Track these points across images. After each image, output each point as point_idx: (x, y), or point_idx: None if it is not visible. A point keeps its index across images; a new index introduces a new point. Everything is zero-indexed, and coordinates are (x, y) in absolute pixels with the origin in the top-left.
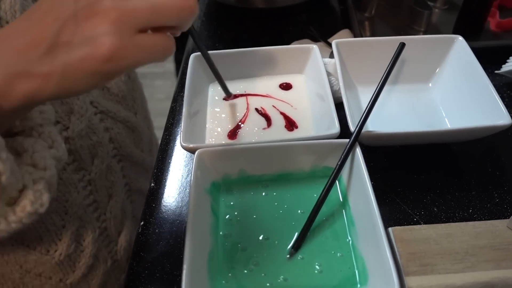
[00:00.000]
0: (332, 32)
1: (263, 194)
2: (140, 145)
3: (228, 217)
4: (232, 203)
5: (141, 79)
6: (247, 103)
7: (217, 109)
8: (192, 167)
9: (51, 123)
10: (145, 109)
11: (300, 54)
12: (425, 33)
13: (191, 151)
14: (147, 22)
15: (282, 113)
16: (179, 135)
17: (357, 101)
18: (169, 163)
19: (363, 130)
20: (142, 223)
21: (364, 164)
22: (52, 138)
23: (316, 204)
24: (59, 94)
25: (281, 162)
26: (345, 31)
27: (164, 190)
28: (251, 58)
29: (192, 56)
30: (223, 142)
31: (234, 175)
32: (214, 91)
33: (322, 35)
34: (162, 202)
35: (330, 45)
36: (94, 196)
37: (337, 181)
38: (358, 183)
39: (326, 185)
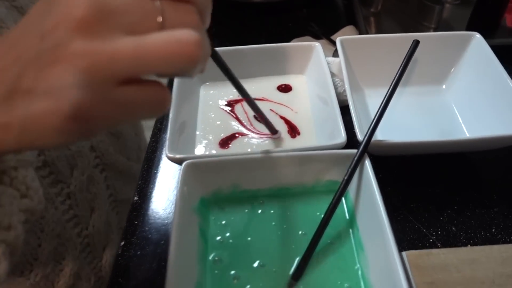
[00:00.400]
0: (335, 28)
1: (259, 211)
2: (126, 152)
3: (219, 239)
4: (223, 222)
5: None
6: (243, 108)
7: (210, 114)
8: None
9: (28, 164)
10: None
11: (301, 53)
12: (435, 30)
13: (178, 162)
14: (130, 72)
15: (282, 117)
16: (165, 144)
17: (363, 105)
18: (156, 173)
19: (373, 139)
20: (123, 243)
21: (375, 178)
22: (27, 184)
23: (320, 225)
24: (21, 147)
25: (279, 175)
26: (350, 28)
27: (149, 204)
28: (246, 57)
29: None
30: (215, 152)
31: (226, 190)
32: (206, 94)
33: (324, 32)
34: (146, 218)
35: (333, 42)
36: (74, 211)
37: (343, 198)
38: (368, 200)
39: (331, 202)
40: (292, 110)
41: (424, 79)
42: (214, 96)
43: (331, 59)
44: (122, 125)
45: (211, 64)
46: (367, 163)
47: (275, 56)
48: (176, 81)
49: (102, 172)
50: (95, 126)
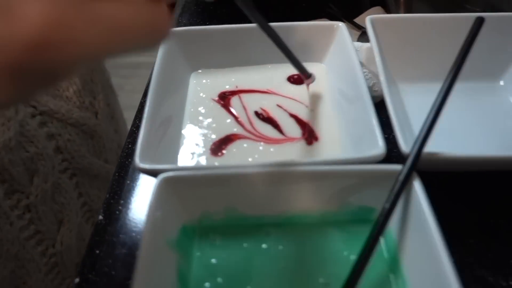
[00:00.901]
0: (358, 10)
1: (263, 247)
2: (102, 153)
3: (207, 286)
4: (213, 261)
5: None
6: (242, 103)
7: (200, 110)
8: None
9: None
10: (112, 107)
11: (319, 35)
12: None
13: (152, 174)
14: None
15: (293, 116)
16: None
17: (399, 105)
18: (130, 185)
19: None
20: (77, 280)
21: (429, 206)
22: None
23: (352, 275)
24: None
25: (291, 197)
26: (377, 9)
27: (116, 227)
28: (249, 38)
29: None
30: (204, 161)
31: (218, 215)
32: (197, 84)
33: (345, 14)
34: (111, 247)
35: (357, 26)
36: (36, 226)
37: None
38: (419, 237)
39: (368, 239)
40: (307, 107)
41: (476, 73)
42: (207, 87)
43: (357, 44)
44: (101, 59)
45: (206, 48)
46: (417, 185)
47: (286, 39)
48: (158, 66)
49: (72, 177)
50: (68, 58)
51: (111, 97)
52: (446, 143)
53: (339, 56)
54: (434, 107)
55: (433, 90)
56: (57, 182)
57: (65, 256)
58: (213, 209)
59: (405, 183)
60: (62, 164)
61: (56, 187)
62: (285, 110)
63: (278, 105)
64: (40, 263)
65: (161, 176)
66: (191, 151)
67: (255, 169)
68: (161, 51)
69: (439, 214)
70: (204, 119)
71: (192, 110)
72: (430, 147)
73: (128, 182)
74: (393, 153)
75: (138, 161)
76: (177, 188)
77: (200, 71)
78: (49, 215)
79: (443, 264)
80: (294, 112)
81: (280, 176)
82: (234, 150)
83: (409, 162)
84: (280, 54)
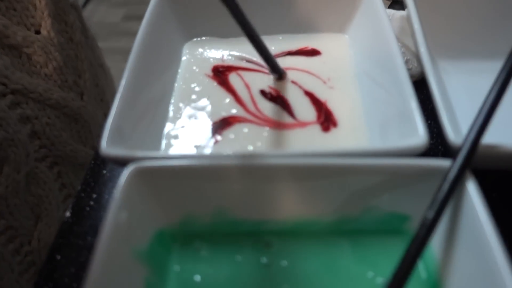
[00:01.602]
0: None
1: (262, 262)
2: (89, 140)
3: None
4: (197, 278)
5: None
6: (243, 81)
7: (192, 87)
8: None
9: None
10: (102, 88)
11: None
12: None
13: (122, 163)
14: None
15: (308, 94)
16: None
17: (440, 87)
18: (106, 176)
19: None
20: None
21: (488, 215)
22: None
23: None
24: None
25: (300, 198)
26: None
27: (84, 227)
28: (257, 2)
29: None
30: (195, 149)
31: (204, 218)
32: (191, 56)
33: None
34: (77, 251)
35: None
36: (6, 221)
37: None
38: (471, 256)
39: (404, 259)
40: (325, 83)
41: None
42: (203, 60)
43: (389, 11)
44: None
45: (204, 12)
46: (471, 187)
47: (298, 4)
48: (142, 32)
49: (52, 166)
50: None
51: (101, 77)
52: (502, 134)
53: (366, 25)
54: (494, 89)
55: (480, 69)
56: (34, 171)
57: (44, 254)
58: (198, 211)
59: (456, 184)
60: (40, 152)
61: (32, 178)
62: (301, 87)
63: (292, 81)
64: (13, 262)
65: (132, 166)
66: (179, 136)
67: (254, 161)
68: (149, 14)
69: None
70: (198, 98)
71: (183, 86)
72: (486, 139)
73: (104, 172)
74: (435, 146)
75: (104, 145)
76: (152, 182)
77: (195, 39)
78: (23, 209)
79: None
80: (309, 89)
81: (286, 170)
82: (231, 135)
83: (461, 156)
84: (290, 22)
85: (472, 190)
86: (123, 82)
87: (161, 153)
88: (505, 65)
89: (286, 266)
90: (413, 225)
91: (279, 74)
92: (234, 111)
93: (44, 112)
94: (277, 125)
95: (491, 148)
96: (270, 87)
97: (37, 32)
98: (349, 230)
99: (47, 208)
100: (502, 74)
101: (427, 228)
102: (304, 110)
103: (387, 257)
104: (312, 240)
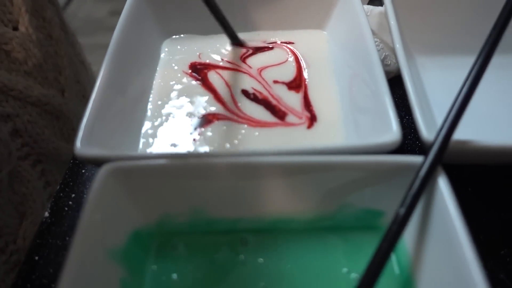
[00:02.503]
0: None
1: (240, 259)
2: (72, 137)
3: None
4: (174, 277)
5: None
6: (222, 77)
7: (171, 84)
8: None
9: None
10: (84, 84)
11: None
12: None
13: (97, 164)
14: None
15: (287, 90)
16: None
17: (417, 82)
18: (85, 175)
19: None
20: None
21: (458, 210)
22: None
23: None
24: None
25: (276, 195)
26: None
27: (63, 227)
28: None
29: None
30: (173, 148)
31: (180, 218)
32: (170, 53)
33: None
34: (55, 252)
35: None
36: None
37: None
38: (442, 251)
39: (377, 254)
40: (303, 80)
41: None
42: (182, 57)
43: (367, 7)
44: None
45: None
46: (442, 183)
47: (277, 1)
48: (120, 28)
49: (36, 164)
50: None
51: (82, 73)
52: (474, 130)
53: (344, 21)
54: (466, 85)
55: (457, 65)
56: (16, 170)
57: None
58: (175, 210)
59: (427, 180)
60: (23, 150)
61: (15, 176)
62: (276, 82)
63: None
64: None
65: (106, 166)
66: (157, 135)
67: (230, 159)
68: (126, 10)
69: (466, 219)
70: (177, 96)
71: (162, 84)
72: (457, 135)
73: (83, 171)
74: (408, 142)
75: (78, 145)
76: (127, 182)
77: (174, 37)
78: (7, 208)
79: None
80: (287, 86)
81: (263, 168)
82: (210, 133)
83: (433, 152)
84: (267, 18)
85: (443, 186)
86: (99, 81)
87: (137, 152)
88: (476, 61)
89: (262, 263)
90: (388, 221)
91: (237, 40)
92: (213, 109)
93: (25, 109)
94: (257, 123)
95: (463, 144)
96: (253, 88)
97: (15, 28)
98: (325, 228)
99: (31, 206)
100: (473, 70)
101: (399, 224)
102: (282, 107)
103: (361, 253)
104: (288, 237)
